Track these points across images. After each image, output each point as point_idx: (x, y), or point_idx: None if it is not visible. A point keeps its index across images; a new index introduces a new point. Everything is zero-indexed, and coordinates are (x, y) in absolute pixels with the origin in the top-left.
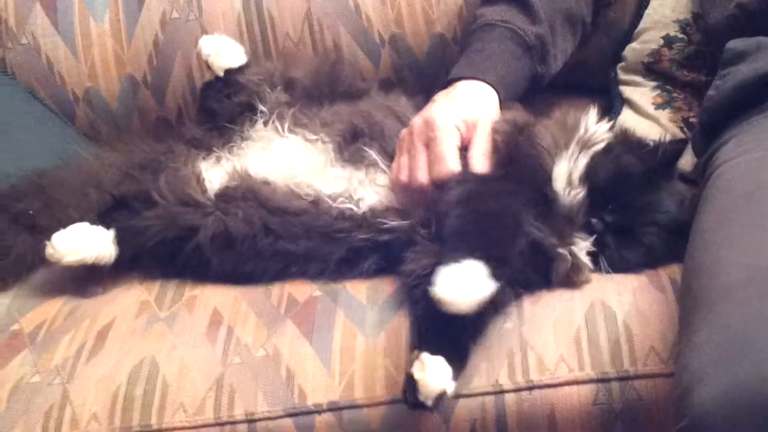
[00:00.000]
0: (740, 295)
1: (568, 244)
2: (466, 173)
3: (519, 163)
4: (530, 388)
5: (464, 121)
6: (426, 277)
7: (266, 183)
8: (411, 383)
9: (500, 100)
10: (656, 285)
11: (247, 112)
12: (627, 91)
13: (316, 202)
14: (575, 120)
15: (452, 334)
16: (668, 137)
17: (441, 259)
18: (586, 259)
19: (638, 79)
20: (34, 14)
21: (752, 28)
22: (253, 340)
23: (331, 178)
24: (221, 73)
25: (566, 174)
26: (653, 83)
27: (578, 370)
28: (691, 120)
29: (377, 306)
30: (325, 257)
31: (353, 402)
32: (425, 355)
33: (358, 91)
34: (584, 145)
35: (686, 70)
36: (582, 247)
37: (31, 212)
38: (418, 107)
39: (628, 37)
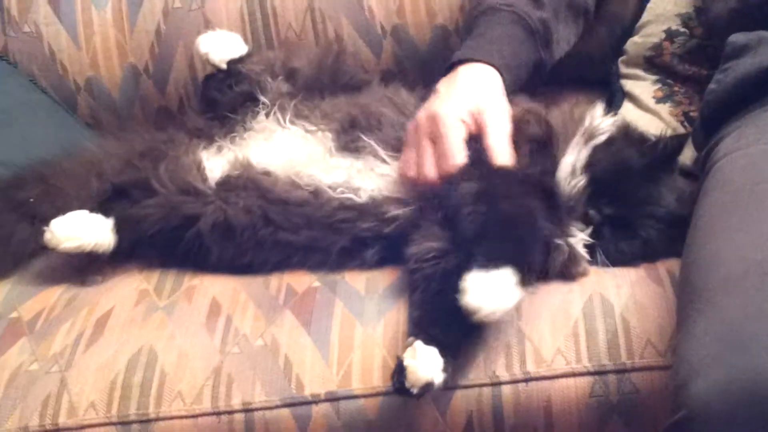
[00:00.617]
0: (738, 287)
1: (565, 235)
2: (477, 166)
3: (529, 150)
4: (527, 380)
5: (470, 112)
6: (427, 262)
7: (267, 173)
8: (400, 369)
9: (505, 84)
10: (654, 278)
11: (249, 102)
12: (628, 85)
13: (317, 192)
14: (582, 112)
15: (449, 327)
16: (669, 132)
17: (469, 263)
18: (582, 251)
19: (639, 72)
20: (37, 3)
21: (754, 21)
22: (251, 329)
23: (330, 168)
24: (224, 66)
25: (571, 164)
26: (654, 77)
27: (575, 362)
28: (692, 114)
29: (376, 296)
30: (327, 247)
31: (351, 392)
32: (419, 344)
33: (359, 83)
34: (589, 136)
35: (688, 63)
36: (579, 238)
37: (31, 200)
38: (419, 98)
39: (630, 30)
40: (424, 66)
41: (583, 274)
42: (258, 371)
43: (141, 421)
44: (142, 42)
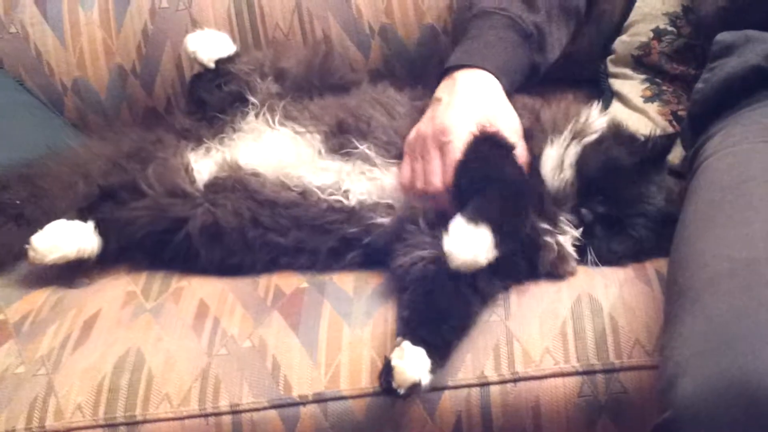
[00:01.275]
0: (725, 287)
1: (554, 232)
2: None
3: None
4: (515, 380)
5: (479, 123)
6: (416, 268)
7: (256, 174)
8: (388, 369)
9: (504, 90)
10: (642, 278)
11: (238, 102)
12: (616, 84)
13: (305, 194)
14: (576, 110)
15: (438, 329)
16: (659, 131)
17: (461, 211)
18: (571, 250)
19: (627, 71)
20: (23, 3)
21: (741, 21)
22: (239, 331)
23: (319, 170)
24: (212, 65)
25: (556, 158)
26: (642, 76)
27: (563, 362)
28: (680, 113)
29: (364, 298)
30: (315, 248)
31: (338, 393)
32: (406, 344)
33: (348, 83)
34: (578, 133)
35: (675, 63)
36: (569, 237)
37: (18, 202)
38: (408, 98)
39: (618, 29)
40: (412, 65)
41: (572, 272)
42: (246, 373)
43: (128, 423)
44: (129, 42)
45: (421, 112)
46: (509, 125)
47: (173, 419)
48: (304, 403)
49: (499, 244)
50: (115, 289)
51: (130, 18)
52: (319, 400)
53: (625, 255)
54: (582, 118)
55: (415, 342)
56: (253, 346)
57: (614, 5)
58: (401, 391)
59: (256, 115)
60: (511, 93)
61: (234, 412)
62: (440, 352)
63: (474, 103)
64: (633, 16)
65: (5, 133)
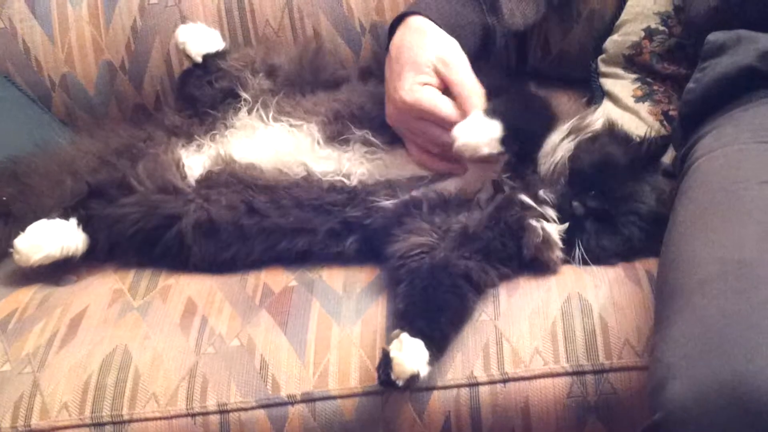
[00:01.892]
0: (716, 289)
1: (539, 215)
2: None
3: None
4: (505, 381)
5: (425, 74)
6: (411, 259)
7: (252, 167)
8: (386, 361)
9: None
10: (632, 278)
11: (229, 98)
12: (607, 84)
13: (307, 176)
14: (579, 109)
15: (435, 320)
16: (654, 132)
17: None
18: (557, 237)
19: (619, 71)
20: None
21: (733, 20)
22: (227, 330)
23: (319, 159)
24: (199, 59)
25: (551, 144)
26: (633, 76)
27: (553, 362)
28: (671, 113)
29: (353, 296)
30: (315, 229)
31: (327, 393)
32: (404, 336)
33: (339, 79)
34: (577, 130)
35: (667, 62)
36: (555, 226)
37: (4, 199)
38: None
39: (609, 28)
40: None
41: (557, 261)
42: (233, 372)
43: (115, 423)
44: (118, 38)
45: None
46: (454, 59)
47: (160, 418)
48: (292, 403)
49: (506, 142)
50: (102, 287)
51: (119, 14)
52: (308, 399)
53: (614, 252)
54: (584, 117)
55: (413, 334)
56: (241, 345)
57: (605, 5)
58: (400, 383)
59: (249, 111)
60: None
61: (222, 412)
62: (438, 344)
63: (413, 54)
64: (624, 15)
65: None
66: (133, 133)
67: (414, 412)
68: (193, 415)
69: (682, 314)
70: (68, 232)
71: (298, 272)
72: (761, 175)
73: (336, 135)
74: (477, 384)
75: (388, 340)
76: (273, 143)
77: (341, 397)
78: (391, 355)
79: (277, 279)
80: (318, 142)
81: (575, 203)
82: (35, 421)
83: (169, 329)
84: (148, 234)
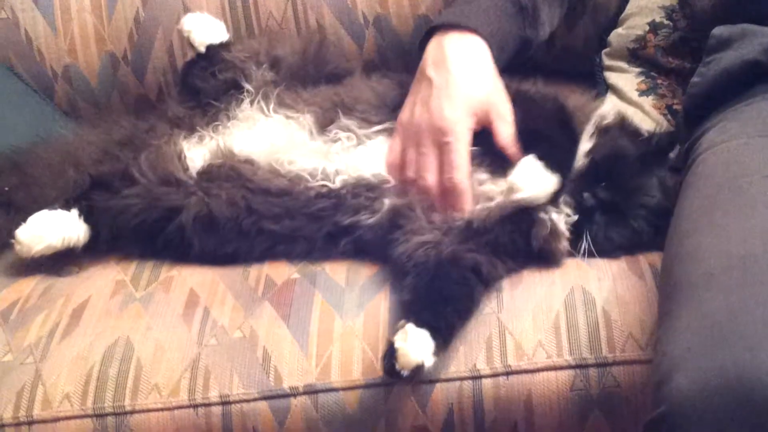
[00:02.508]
0: (721, 282)
1: (549, 209)
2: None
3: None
4: (508, 374)
5: (474, 113)
6: (418, 253)
7: (249, 162)
8: (391, 351)
9: (494, 59)
10: (636, 272)
11: (233, 90)
12: (611, 77)
13: (296, 180)
14: (593, 105)
15: (440, 311)
16: (664, 127)
17: (535, 153)
18: (564, 228)
19: (623, 65)
20: None
21: (738, 14)
22: (229, 321)
23: (309, 152)
24: (202, 49)
25: (584, 152)
26: (638, 69)
27: (556, 355)
28: (675, 107)
29: (356, 289)
30: (311, 236)
31: (329, 385)
32: (410, 326)
33: (343, 72)
34: (597, 127)
35: (671, 56)
36: (562, 216)
37: (6, 189)
38: (400, 87)
39: (614, 22)
40: (406, 56)
41: (564, 252)
42: (236, 363)
43: (117, 414)
44: (121, 29)
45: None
46: (504, 113)
47: (162, 410)
48: (294, 395)
49: (557, 193)
50: (104, 278)
51: (121, 4)
52: (310, 391)
53: (621, 245)
54: (602, 117)
55: (419, 324)
56: (243, 337)
57: None
58: (405, 373)
59: (251, 103)
60: (499, 64)
61: (224, 403)
62: (444, 334)
63: (467, 89)
64: (629, 8)
65: None
66: (136, 125)
67: (417, 405)
68: (196, 407)
69: (686, 308)
70: (70, 223)
71: (301, 265)
72: (766, 169)
73: (327, 123)
74: (480, 377)
75: (393, 331)
76: (269, 136)
77: (344, 389)
78: (396, 345)
79: (280, 271)
80: (311, 132)
81: (586, 194)
82: (37, 412)
83: (172, 320)
84: (150, 226)
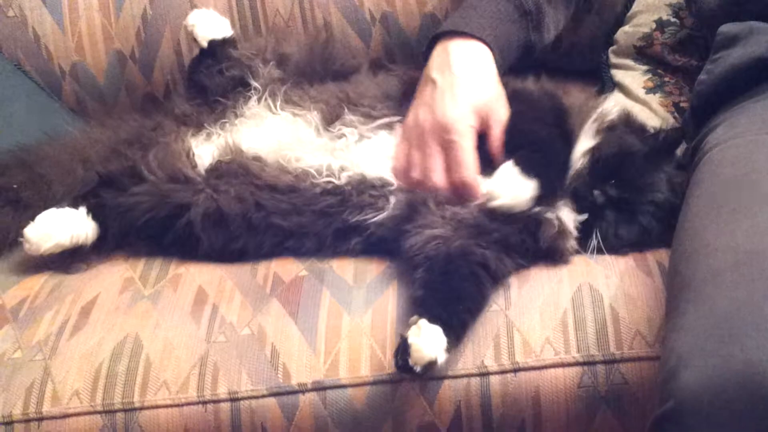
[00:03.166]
0: (728, 279)
1: (555, 209)
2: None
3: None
4: (515, 371)
5: (478, 116)
6: (429, 246)
7: (257, 158)
8: (404, 347)
9: (496, 64)
10: (643, 269)
11: (240, 87)
12: (618, 75)
13: (302, 177)
14: (595, 101)
15: (453, 308)
16: (671, 124)
17: (513, 159)
18: (572, 227)
19: (629, 62)
20: None
21: (745, 12)
22: (238, 318)
23: (315, 149)
24: (205, 44)
25: (584, 150)
26: (644, 67)
27: (564, 352)
28: (682, 104)
29: (364, 286)
30: (320, 232)
31: (338, 382)
32: (423, 322)
33: (349, 69)
34: (599, 124)
35: (678, 54)
36: (571, 216)
37: (15, 186)
38: (407, 84)
39: (621, 20)
40: (413, 54)
41: (571, 250)
42: (244, 360)
43: (126, 410)
44: (128, 27)
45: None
46: (501, 114)
47: (171, 406)
48: (303, 391)
49: (540, 197)
50: (112, 276)
51: (129, 2)
52: (318, 388)
53: (630, 243)
54: (603, 115)
55: (432, 320)
56: (252, 334)
57: None
58: (418, 369)
59: (259, 100)
60: (502, 69)
61: (233, 400)
62: (456, 331)
63: (471, 91)
64: (636, 6)
65: (3, 118)
66: (144, 122)
67: (424, 402)
68: (204, 403)
69: (694, 304)
70: (78, 221)
71: (309, 262)
72: None
73: (333, 119)
74: (488, 374)
75: (406, 327)
76: (277, 133)
77: (352, 385)
78: (410, 341)
79: (288, 268)
80: (317, 129)
81: (596, 192)
82: (47, 408)
83: (180, 318)
84: (159, 223)
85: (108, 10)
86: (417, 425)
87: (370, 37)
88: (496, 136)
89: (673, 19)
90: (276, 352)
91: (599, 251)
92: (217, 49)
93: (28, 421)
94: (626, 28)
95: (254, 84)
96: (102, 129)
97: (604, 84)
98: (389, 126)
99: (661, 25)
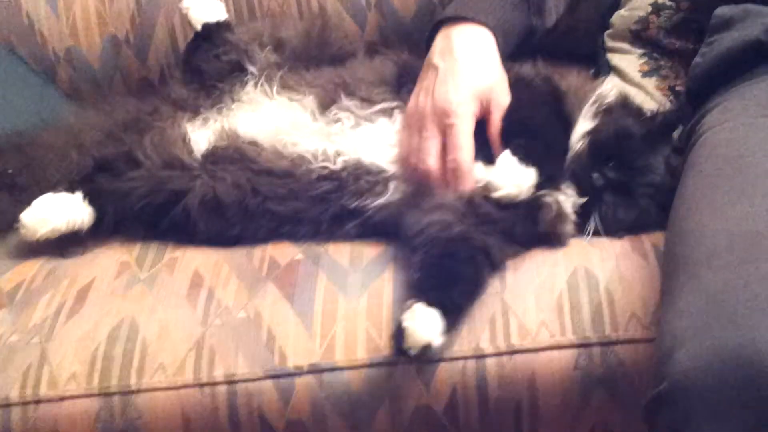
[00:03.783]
0: (723, 260)
1: (554, 192)
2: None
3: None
4: (511, 353)
5: (479, 100)
6: (428, 230)
7: (254, 143)
8: (399, 330)
9: (499, 49)
10: (639, 251)
11: (236, 71)
12: (614, 59)
13: (298, 162)
14: (591, 85)
15: (449, 291)
16: (667, 106)
17: (511, 148)
18: (570, 210)
19: (625, 46)
20: None
21: None
22: (234, 302)
23: (311, 133)
24: (199, 27)
25: (583, 132)
26: (640, 51)
27: (559, 335)
28: (678, 88)
29: (360, 269)
30: (316, 217)
31: (334, 364)
32: (419, 305)
33: (345, 54)
34: (597, 105)
35: (674, 37)
36: (569, 198)
37: (10, 171)
38: (401, 68)
39: (617, 3)
40: (409, 38)
41: (569, 234)
42: (240, 343)
43: (123, 393)
44: (123, 12)
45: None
46: (503, 100)
47: (168, 389)
48: (299, 374)
49: (541, 184)
50: (108, 259)
51: None
52: (315, 370)
53: (627, 225)
54: (597, 91)
55: (429, 304)
56: (248, 317)
57: None
58: (413, 352)
59: (255, 85)
60: (504, 53)
61: (229, 382)
62: (452, 314)
63: (473, 76)
64: None
65: None
66: (139, 107)
67: (421, 384)
68: (201, 386)
69: (688, 286)
70: (74, 206)
71: (305, 246)
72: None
73: (329, 104)
74: (484, 356)
75: (402, 310)
76: (273, 118)
77: (348, 368)
78: (404, 324)
79: (284, 252)
80: (313, 114)
81: (595, 175)
82: (44, 391)
83: (176, 301)
84: (155, 209)
85: None
86: (413, 408)
87: (365, 21)
88: (495, 121)
89: (669, 3)
90: (272, 335)
91: (596, 233)
92: (212, 32)
93: (25, 404)
94: (622, 11)
95: (251, 69)
96: (97, 114)
97: (600, 68)
98: (386, 111)
99: (656, 8)
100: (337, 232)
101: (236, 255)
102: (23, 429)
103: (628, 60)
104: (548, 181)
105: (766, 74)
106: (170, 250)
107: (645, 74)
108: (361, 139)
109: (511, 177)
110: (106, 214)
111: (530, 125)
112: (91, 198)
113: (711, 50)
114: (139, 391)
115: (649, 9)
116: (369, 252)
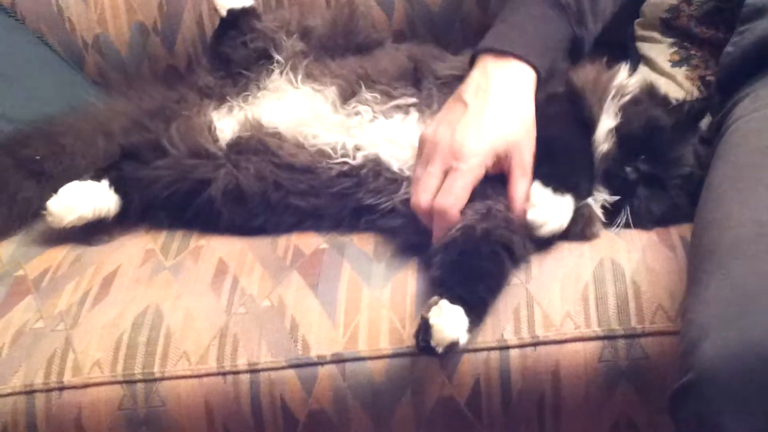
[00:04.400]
0: (750, 250)
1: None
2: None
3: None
4: (535, 344)
5: (496, 153)
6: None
7: (276, 135)
8: (425, 327)
9: (540, 77)
10: (666, 243)
11: (263, 59)
12: (644, 48)
13: (317, 157)
14: (609, 75)
15: (473, 287)
16: (695, 95)
17: (541, 180)
18: (599, 212)
19: (655, 35)
20: None
21: None
22: (258, 290)
23: (331, 125)
24: (224, 13)
25: (608, 129)
26: (671, 40)
27: (584, 326)
28: (708, 78)
29: (384, 259)
30: (337, 213)
31: (357, 354)
32: (444, 302)
33: (372, 43)
34: (619, 97)
35: (705, 26)
36: (599, 200)
37: (37, 158)
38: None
39: None
40: (436, 27)
41: (596, 235)
42: (264, 332)
43: (146, 380)
44: None
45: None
46: (527, 165)
47: (191, 377)
48: (322, 363)
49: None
50: (134, 247)
51: None
52: (338, 360)
53: (659, 217)
54: (616, 82)
55: (453, 301)
56: (271, 306)
57: None
58: (439, 350)
59: (281, 73)
60: (552, 73)
61: (252, 371)
62: (477, 311)
63: (499, 127)
64: None
65: (25, 89)
66: (166, 95)
67: (444, 375)
68: (224, 374)
69: (715, 275)
70: (100, 194)
71: (329, 235)
72: None
73: (350, 96)
74: (507, 347)
75: (427, 307)
76: (296, 108)
77: (371, 358)
78: (431, 321)
79: (308, 241)
80: (334, 105)
81: (629, 169)
82: (68, 378)
83: (201, 289)
84: (181, 198)
85: None
86: (436, 398)
87: (392, 9)
88: (517, 183)
89: None
90: (295, 324)
91: (625, 226)
92: (239, 19)
93: (49, 390)
94: (652, 0)
95: (277, 57)
96: (124, 101)
97: (630, 57)
98: (401, 108)
99: None
100: (357, 227)
101: (261, 244)
102: (47, 415)
103: (658, 49)
104: (583, 197)
105: None
106: (195, 239)
107: (675, 64)
108: (378, 134)
109: (551, 212)
110: (132, 202)
111: (554, 147)
112: (118, 186)
113: (742, 39)
114: (162, 378)
115: None
116: (393, 243)
